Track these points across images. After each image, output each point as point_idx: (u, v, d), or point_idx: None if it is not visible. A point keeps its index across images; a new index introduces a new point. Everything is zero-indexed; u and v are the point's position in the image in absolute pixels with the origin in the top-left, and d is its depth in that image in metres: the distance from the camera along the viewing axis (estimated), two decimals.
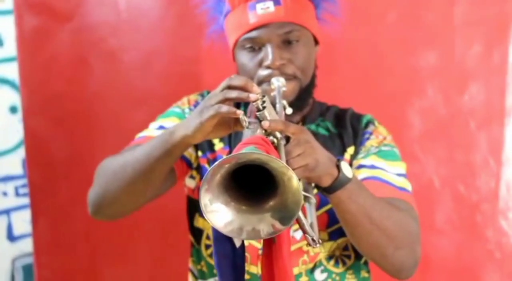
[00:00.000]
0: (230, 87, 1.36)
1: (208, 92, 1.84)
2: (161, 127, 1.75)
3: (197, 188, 1.74)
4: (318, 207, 1.65)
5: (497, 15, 2.46)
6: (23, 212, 2.66)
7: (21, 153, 2.64)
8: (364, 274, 1.76)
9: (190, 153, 1.74)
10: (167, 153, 1.46)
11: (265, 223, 1.18)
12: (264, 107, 1.33)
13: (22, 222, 2.65)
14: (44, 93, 2.59)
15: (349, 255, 1.72)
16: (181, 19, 2.54)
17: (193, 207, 1.78)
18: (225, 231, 1.18)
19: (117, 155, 1.65)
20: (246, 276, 1.67)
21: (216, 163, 1.14)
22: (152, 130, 1.76)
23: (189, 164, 1.76)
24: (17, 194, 2.63)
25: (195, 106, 1.80)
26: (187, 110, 1.80)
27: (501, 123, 2.47)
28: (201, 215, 1.70)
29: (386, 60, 2.49)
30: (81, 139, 2.60)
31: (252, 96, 1.32)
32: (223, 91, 1.36)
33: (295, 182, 1.14)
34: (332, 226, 1.68)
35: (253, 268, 1.66)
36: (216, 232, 1.26)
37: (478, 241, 2.49)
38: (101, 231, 2.60)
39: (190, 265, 1.83)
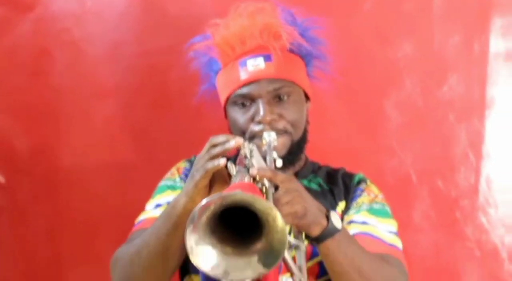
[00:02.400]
0: (213, 146, 1.44)
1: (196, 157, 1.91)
2: (158, 206, 1.79)
3: None
4: (309, 258, 1.68)
5: (477, 4, 2.45)
6: None
7: None
8: None
9: None
10: (175, 227, 1.50)
11: (251, 266, 1.21)
12: (252, 156, 1.41)
13: None
14: (4, 86, 2.54)
15: None
16: (148, 8, 2.52)
17: (185, 265, 1.76)
18: (211, 274, 1.21)
19: (126, 244, 1.68)
20: None
21: (201, 203, 1.18)
22: (151, 211, 1.79)
23: None
24: None
25: (185, 174, 1.85)
26: (178, 180, 1.84)
27: (482, 115, 2.47)
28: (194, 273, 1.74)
29: (362, 51, 2.48)
30: (44, 134, 2.57)
31: (233, 142, 1.41)
32: (208, 151, 1.43)
33: (280, 222, 1.17)
34: (322, 277, 1.69)
35: None
36: (203, 275, 1.34)
37: (457, 239, 2.49)
38: (64, 229, 2.57)
39: None
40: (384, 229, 1.71)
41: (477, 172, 2.46)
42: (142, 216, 1.79)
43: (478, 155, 2.46)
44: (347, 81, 2.41)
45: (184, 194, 1.47)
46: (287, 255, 1.33)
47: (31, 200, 2.56)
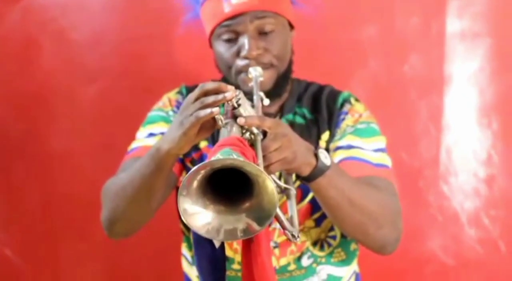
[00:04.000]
0: (205, 94, 1.36)
1: (186, 88, 1.87)
2: (151, 134, 1.78)
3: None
4: (301, 198, 1.71)
5: None
6: None
7: None
8: (353, 246, 1.83)
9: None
10: (158, 168, 1.47)
11: (242, 224, 1.18)
12: (239, 105, 1.34)
13: None
14: None
15: (334, 235, 1.77)
16: None
17: None
18: (202, 232, 1.18)
19: (116, 176, 1.67)
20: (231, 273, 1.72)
21: (191, 170, 1.14)
22: (143, 140, 1.78)
23: (183, 163, 1.80)
24: None
25: (177, 107, 1.82)
26: (171, 113, 1.81)
27: (441, 91, 2.52)
28: None
29: (328, 33, 2.50)
30: (34, 118, 2.61)
31: (228, 95, 1.33)
32: (199, 99, 1.36)
33: (269, 184, 1.14)
34: (316, 213, 1.73)
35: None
36: (195, 234, 1.28)
37: (421, 206, 2.55)
38: (58, 205, 2.63)
39: (183, 250, 1.88)
40: (370, 149, 1.70)
41: (437, 143, 2.51)
42: (135, 144, 1.77)
43: (438, 128, 2.51)
44: (314, 61, 2.46)
45: (170, 140, 1.39)
46: (279, 211, 1.29)
47: (25, 179, 2.62)
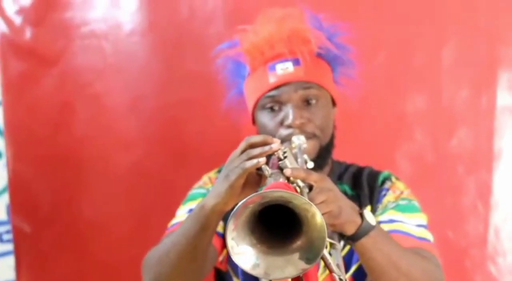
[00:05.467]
0: (251, 146, 1.38)
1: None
2: (191, 210, 1.74)
3: (225, 260, 1.77)
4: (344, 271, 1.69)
5: (485, 58, 2.47)
6: (7, 258, 2.61)
7: (6, 198, 2.60)
8: None
9: (222, 226, 1.75)
10: (202, 228, 1.46)
11: (292, 264, 1.17)
12: (285, 157, 1.36)
13: (7, 268, 2.61)
14: (28, 138, 2.59)
15: None
16: (168, 64, 2.55)
17: (220, 279, 1.82)
18: (253, 273, 1.17)
19: (158, 245, 1.67)
20: None
21: (241, 202, 1.13)
22: (183, 215, 1.77)
23: (223, 238, 1.78)
24: (1, 240, 2.60)
25: None
26: (211, 189, 1.78)
27: (489, 167, 2.47)
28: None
29: (373, 103, 2.48)
30: (66, 185, 2.60)
31: (274, 146, 1.35)
32: (245, 151, 1.37)
33: (318, 218, 1.14)
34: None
35: None
36: (244, 273, 1.30)
37: None
38: (87, 276, 2.59)
39: None
40: (412, 224, 1.69)
41: (485, 222, 2.46)
42: (175, 220, 1.78)
43: (487, 206, 2.46)
44: (359, 133, 2.46)
45: (215, 195, 1.40)
46: (326, 253, 1.29)
47: (53, 250, 2.59)
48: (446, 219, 2.45)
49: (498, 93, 2.46)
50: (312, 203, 1.14)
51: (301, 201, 1.14)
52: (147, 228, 2.48)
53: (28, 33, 2.57)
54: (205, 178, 1.87)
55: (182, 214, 1.78)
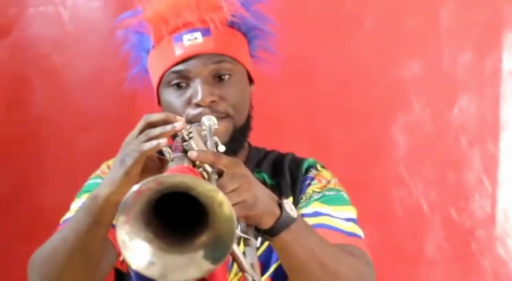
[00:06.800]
0: (150, 125, 1.28)
1: None
2: None
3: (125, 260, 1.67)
4: (261, 273, 1.57)
5: (488, 18, 2.44)
6: None
7: None
8: None
9: None
10: (95, 221, 1.35)
11: (195, 264, 1.10)
12: (190, 138, 1.27)
13: None
14: None
15: None
16: None
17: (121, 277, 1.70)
18: (147, 273, 1.09)
19: (45, 243, 1.52)
20: None
21: (133, 189, 1.05)
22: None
23: None
24: None
25: None
26: (105, 177, 1.74)
27: (496, 138, 2.45)
28: None
29: (365, 72, 2.47)
30: (25, 168, 2.54)
31: (178, 125, 1.27)
32: (143, 132, 1.27)
33: (227, 208, 1.06)
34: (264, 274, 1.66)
35: None
36: (137, 274, 1.21)
37: (473, 272, 2.47)
38: None
39: None
40: (341, 217, 1.60)
41: (493, 199, 2.43)
42: (67, 215, 1.65)
43: (494, 181, 2.44)
44: (351, 104, 2.44)
45: (109, 183, 1.31)
46: (237, 249, 1.22)
47: (16, 241, 2.51)
48: (448, 197, 2.43)
49: (503, 56, 2.43)
50: (218, 190, 1.07)
51: (206, 188, 1.06)
52: None
53: None
54: (103, 166, 1.74)
55: (75, 208, 1.64)
